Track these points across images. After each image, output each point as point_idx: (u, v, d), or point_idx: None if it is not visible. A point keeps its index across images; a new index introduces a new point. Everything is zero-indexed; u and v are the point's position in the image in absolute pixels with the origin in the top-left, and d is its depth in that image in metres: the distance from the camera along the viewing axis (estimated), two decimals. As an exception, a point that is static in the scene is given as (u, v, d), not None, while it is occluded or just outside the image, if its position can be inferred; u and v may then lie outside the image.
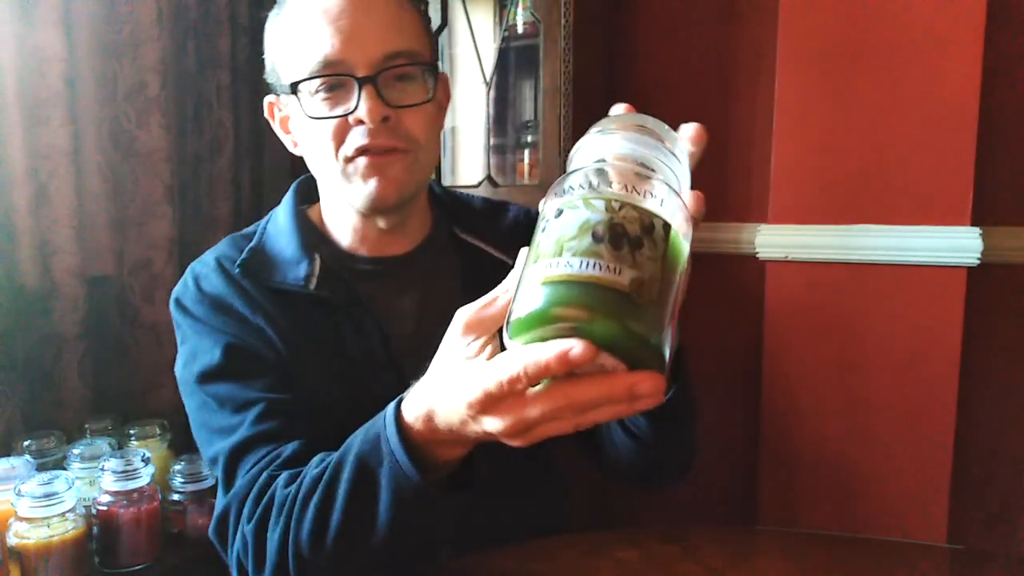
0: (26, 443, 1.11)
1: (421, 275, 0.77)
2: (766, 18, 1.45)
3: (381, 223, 0.75)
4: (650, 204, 0.37)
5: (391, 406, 0.53)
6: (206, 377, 0.69)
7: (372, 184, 0.69)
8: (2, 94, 1.16)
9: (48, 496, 0.91)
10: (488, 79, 1.49)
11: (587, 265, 0.33)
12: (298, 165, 1.69)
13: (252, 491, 0.62)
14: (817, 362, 1.37)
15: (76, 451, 1.09)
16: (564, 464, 0.88)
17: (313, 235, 0.77)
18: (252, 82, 1.51)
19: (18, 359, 1.17)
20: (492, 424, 0.42)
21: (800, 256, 1.37)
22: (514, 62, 1.57)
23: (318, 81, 0.67)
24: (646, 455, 0.71)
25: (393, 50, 0.67)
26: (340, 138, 0.68)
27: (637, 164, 0.39)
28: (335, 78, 0.67)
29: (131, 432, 1.19)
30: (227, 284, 0.72)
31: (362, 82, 0.66)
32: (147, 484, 1.02)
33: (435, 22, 1.51)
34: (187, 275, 0.75)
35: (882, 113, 1.28)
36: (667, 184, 0.39)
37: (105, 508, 0.99)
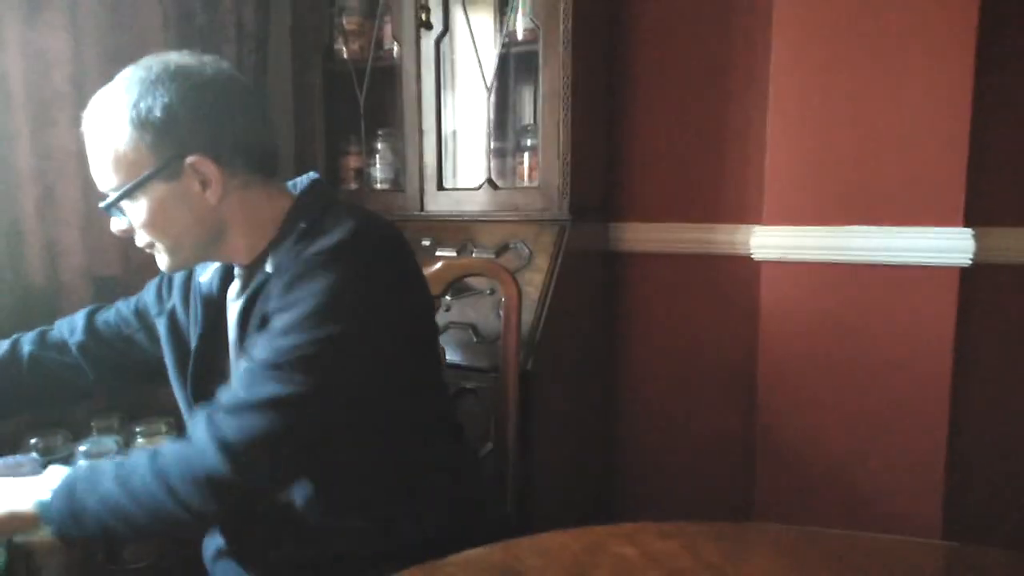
0: (33, 441, 1.12)
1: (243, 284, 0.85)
2: (761, 21, 1.47)
3: None
4: None
5: None
6: None
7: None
8: (9, 96, 1.18)
9: (55, 493, 0.92)
10: (489, 84, 1.51)
11: None
12: (306, 165, 1.71)
13: None
14: (812, 361, 1.38)
15: (83, 449, 1.10)
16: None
17: None
18: (257, 87, 1.52)
19: (25, 358, 1.18)
20: None
21: (795, 257, 1.39)
22: (514, 67, 1.58)
23: None
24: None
25: (104, 188, 0.79)
26: None
27: None
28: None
29: (137, 430, 1.20)
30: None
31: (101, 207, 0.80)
32: (153, 481, 1.03)
33: (437, 28, 1.52)
34: None
35: (876, 114, 1.30)
36: None
37: (111, 505, 1.00)
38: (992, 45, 1.29)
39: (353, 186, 1.73)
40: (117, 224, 0.81)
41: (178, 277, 0.93)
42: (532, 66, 1.49)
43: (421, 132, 1.56)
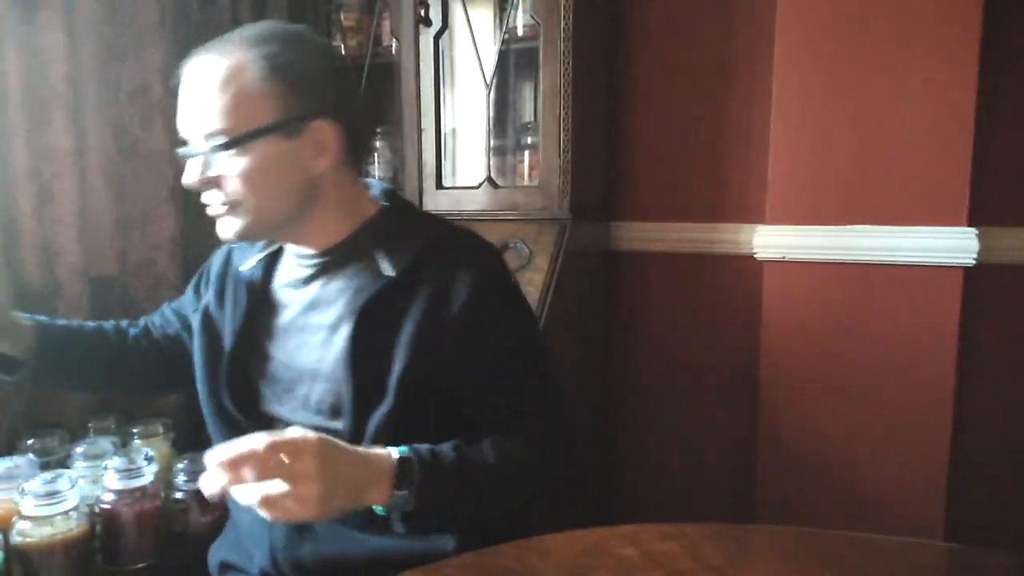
0: (30, 442, 1.12)
1: (322, 273, 0.83)
2: (764, 20, 1.46)
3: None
4: None
5: None
6: None
7: (217, 229, 0.80)
8: (6, 95, 1.17)
9: (51, 495, 0.91)
10: (488, 81, 1.50)
11: None
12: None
13: None
14: (814, 362, 1.38)
15: (79, 450, 1.09)
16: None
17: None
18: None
19: (21, 358, 1.18)
20: None
21: (797, 256, 1.38)
22: (514, 64, 1.58)
23: None
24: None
25: (207, 131, 0.75)
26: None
27: None
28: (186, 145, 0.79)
29: (134, 431, 1.20)
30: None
31: (188, 154, 0.77)
32: (150, 483, 1.02)
33: (436, 24, 1.52)
34: None
35: (879, 114, 1.30)
36: None
37: (108, 507, 1.00)
38: (996, 45, 1.28)
39: (352, 184, 1.72)
40: (195, 173, 0.76)
41: (215, 273, 0.90)
42: (532, 62, 1.48)
43: (420, 130, 1.56)
